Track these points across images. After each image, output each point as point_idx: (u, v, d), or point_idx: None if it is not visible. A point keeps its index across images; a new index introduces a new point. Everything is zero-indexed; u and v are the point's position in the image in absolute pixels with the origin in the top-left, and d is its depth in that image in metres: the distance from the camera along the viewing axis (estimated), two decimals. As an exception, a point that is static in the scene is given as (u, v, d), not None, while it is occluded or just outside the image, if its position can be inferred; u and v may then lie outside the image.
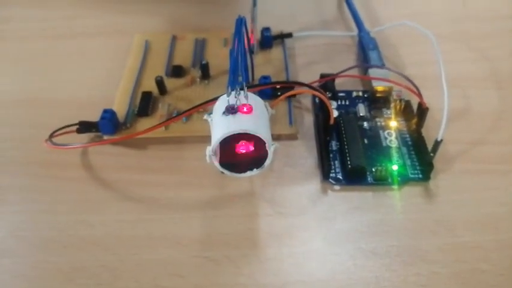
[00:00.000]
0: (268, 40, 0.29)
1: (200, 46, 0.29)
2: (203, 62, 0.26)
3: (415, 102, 0.23)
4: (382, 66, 0.26)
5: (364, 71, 0.26)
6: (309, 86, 0.21)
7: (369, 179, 0.21)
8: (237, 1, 0.34)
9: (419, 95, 0.22)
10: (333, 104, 0.25)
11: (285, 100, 0.25)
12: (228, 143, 0.18)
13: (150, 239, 0.20)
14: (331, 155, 0.22)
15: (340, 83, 0.26)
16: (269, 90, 0.24)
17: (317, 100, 0.25)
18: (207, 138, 0.19)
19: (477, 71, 0.28)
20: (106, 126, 0.23)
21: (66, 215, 0.21)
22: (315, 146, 0.23)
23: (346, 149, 0.22)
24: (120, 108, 0.25)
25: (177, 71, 0.27)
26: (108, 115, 0.23)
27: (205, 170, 0.22)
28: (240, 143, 0.18)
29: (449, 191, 0.21)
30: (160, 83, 0.25)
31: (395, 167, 0.22)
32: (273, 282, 0.18)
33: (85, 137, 0.24)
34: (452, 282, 0.18)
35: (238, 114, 0.18)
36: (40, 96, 0.27)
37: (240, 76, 0.20)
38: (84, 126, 0.23)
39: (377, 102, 0.25)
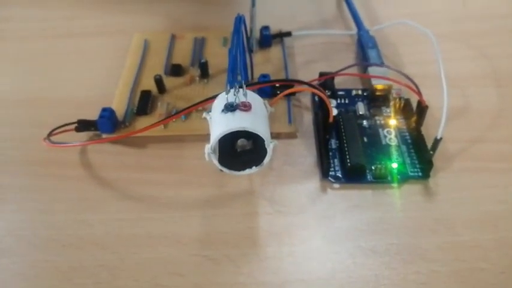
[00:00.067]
0: (268, 39, 0.29)
1: (199, 45, 0.29)
2: (202, 61, 0.26)
3: (414, 100, 0.23)
4: (381, 64, 0.26)
5: (364, 70, 0.26)
6: (308, 84, 0.21)
7: (368, 177, 0.21)
8: (236, 0, 0.34)
9: (419, 93, 0.22)
10: (333, 103, 0.25)
11: (285, 99, 0.25)
12: (227, 140, 0.18)
13: (150, 238, 0.20)
14: (330, 153, 0.22)
15: (339, 82, 0.26)
16: (269, 89, 0.24)
17: (316, 98, 0.25)
18: (206, 137, 0.19)
19: (476, 70, 0.28)
20: (105, 124, 0.23)
21: (65, 214, 0.21)
22: (314, 145, 0.23)
23: (346, 147, 0.22)
24: (119, 107, 0.25)
25: (176, 70, 0.27)
26: (107, 114, 0.23)
27: (205, 169, 0.22)
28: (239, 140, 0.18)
29: (449, 189, 0.21)
30: (159, 81, 0.25)
31: (394, 165, 0.22)
32: (273, 280, 0.18)
33: (84, 135, 0.24)
34: (451, 280, 0.18)
35: (237, 112, 0.18)
36: (40, 95, 0.27)
37: (239, 74, 0.20)
38: (83, 125, 0.23)
39: (376, 100, 0.25)
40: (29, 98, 0.27)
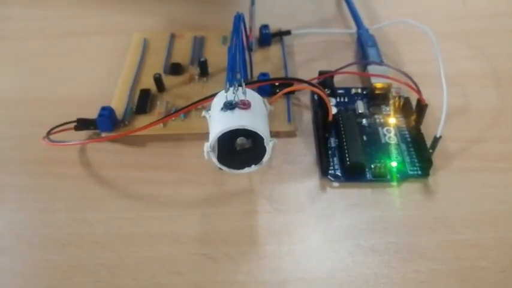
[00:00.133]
0: (267, 37, 0.28)
1: (199, 44, 0.29)
2: (201, 59, 0.26)
3: (414, 99, 0.23)
4: (381, 63, 0.26)
5: (363, 68, 0.26)
6: (307, 82, 0.21)
7: (367, 175, 0.21)
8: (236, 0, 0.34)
9: (419, 91, 0.22)
10: (332, 101, 0.25)
11: (284, 97, 0.25)
12: (226, 139, 0.18)
13: (149, 237, 0.20)
14: (330, 152, 0.22)
15: (339, 80, 0.26)
16: (268, 88, 0.24)
17: (316, 97, 0.25)
18: (205, 136, 0.19)
19: (476, 69, 0.27)
20: (104, 123, 0.23)
21: (64, 213, 0.21)
22: (313, 143, 0.23)
23: (345, 146, 0.22)
24: (119, 106, 0.25)
25: (175, 69, 0.27)
26: (106, 112, 0.23)
27: (204, 167, 0.22)
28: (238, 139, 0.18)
29: (449, 188, 0.21)
30: (158, 80, 0.25)
31: (394, 164, 0.22)
32: (272, 279, 0.18)
33: (83, 134, 0.24)
34: (451, 279, 0.18)
35: (237, 110, 0.18)
36: (39, 94, 0.27)
37: (238, 73, 0.20)
38: (82, 124, 0.23)
39: (376, 99, 0.25)
40: (29, 97, 0.26)
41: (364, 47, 0.27)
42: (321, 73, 0.25)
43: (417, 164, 0.22)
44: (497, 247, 0.19)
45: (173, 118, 0.24)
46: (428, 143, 0.22)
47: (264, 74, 0.25)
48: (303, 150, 0.23)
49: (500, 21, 0.31)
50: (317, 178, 0.22)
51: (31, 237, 0.20)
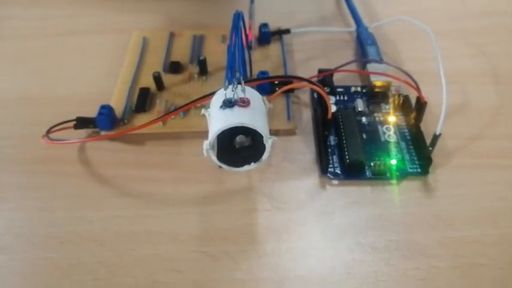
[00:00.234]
0: (266, 36, 0.28)
1: (198, 43, 0.29)
2: (201, 58, 0.26)
3: (413, 97, 0.23)
4: (380, 61, 0.26)
5: (363, 66, 0.26)
6: (307, 80, 0.21)
7: (367, 173, 0.21)
8: (236, -1, 0.34)
9: (418, 89, 0.22)
10: (332, 99, 0.25)
11: (283, 95, 0.25)
12: (226, 137, 0.18)
13: (148, 235, 0.20)
14: (329, 150, 0.22)
15: (338, 79, 0.26)
16: (268, 86, 0.24)
17: (315, 95, 0.25)
18: (204, 134, 0.19)
19: (475, 67, 0.27)
20: (103, 122, 0.23)
21: (63, 211, 0.21)
22: (313, 141, 0.23)
23: (345, 144, 0.22)
24: (118, 104, 0.24)
25: (174, 67, 0.27)
26: (106, 111, 0.23)
27: (203, 166, 0.22)
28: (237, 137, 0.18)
29: (448, 186, 0.21)
30: (157, 79, 0.25)
31: (393, 162, 0.22)
32: (271, 277, 0.18)
33: (83, 133, 0.24)
34: (451, 276, 0.18)
35: (236, 108, 0.18)
36: (39, 93, 0.27)
37: (237, 71, 0.20)
38: (82, 122, 0.23)
39: (375, 97, 0.25)
40: (28, 96, 0.26)
41: (364, 45, 0.27)
42: (320, 71, 0.25)
43: (417, 162, 0.22)
44: (496, 244, 0.19)
45: (172, 116, 0.24)
46: (428, 140, 0.22)
47: (263, 73, 0.25)
48: (302, 148, 0.23)
49: (499, 20, 0.31)
50: (316, 176, 0.22)
51: (30, 236, 0.20)
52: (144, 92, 0.25)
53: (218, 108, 0.18)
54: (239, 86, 0.18)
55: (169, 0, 0.34)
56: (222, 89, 0.19)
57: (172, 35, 0.29)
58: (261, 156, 0.19)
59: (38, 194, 0.21)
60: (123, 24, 0.31)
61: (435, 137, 0.21)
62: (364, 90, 0.25)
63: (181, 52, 0.28)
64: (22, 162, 0.23)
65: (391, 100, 0.24)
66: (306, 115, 0.25)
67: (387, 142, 0.23)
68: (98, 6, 0.33)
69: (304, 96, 0.26)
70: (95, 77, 0.27)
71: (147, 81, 0.26)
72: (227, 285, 0.18)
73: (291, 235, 0.20)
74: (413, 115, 0.23)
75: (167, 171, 0.22)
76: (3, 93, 0.27)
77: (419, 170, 0.21)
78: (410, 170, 0.21)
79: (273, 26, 0.29)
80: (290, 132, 0.24)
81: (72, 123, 0.23)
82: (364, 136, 0.23)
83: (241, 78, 0.19)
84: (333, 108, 0.22)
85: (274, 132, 0.23)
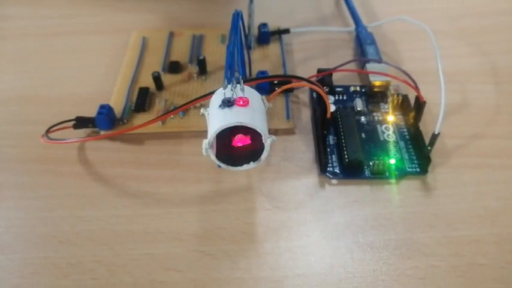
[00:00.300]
0: (266, 36, 0.28)
1: (197, 42, 0.29)
2: (200, 57, 0.26)
3: (412, 96, 0.23)
4: (379, 60, 0.26)
5: (362, 66, 0.26)
6: (306, 79, 0.21)
7: (366, 172, 0.21)
8: (235, -2, 0.34)
9: (417, 88, 0.22)
10: (331, 99, 0.25)
11: (283, 95, 0.25)
12: (225, 136, 0.18)
13: (147, 234, 0.20)
14: (328, 149, 0.22)
15: (337, 78, 0.26)
16: (267, 86, 0.24)
17: (314, 95, 0.25)
18: (203, 134, 0.19)
19: (475, 66, 0.27)
20: (103, 121, 0.23)
21: (62, 211, 0.21)
22: (312, 141, 0.23)
23: (344, 143, 0.22)
24: (117, 104, 0.24)
25: (174, 67, 0.27)
26: (105, 110, 0.23)
27: (202, 165, 0.22)
28: (236, 135, 0.18)
29: (447, 185, 0.21)
30: (157, 78, 0.25)
31: (392, 161, 0.22)
32: (271, 276, 0.18)
33: (82, 132, 0.24)
34: (450, 275, 0.18)
35: (235, 107, 0.18)
36: (38, 93, 0.27)
37: (236, 71, 0.20)
38: (81, 122, 0.23)
39: (374, 96, 0.25)
40: (28, 96, 0.26)
41: (363, 44, 0.27)
42: (319, 71, 0.25)
43: (416, 161, 0.22)
44: (496, 243, 0.19)
45: (172, 116, 0.24)
46: (427, 140, 0.22)
47: (262, 72, 0.25)
48: (301, 147, 0.23)
49: (498, 19, 0.31)
50: (316, 175, 0.22)
51: (29, 235, 0.20)
52: (144, 92, 0.25)
53: (217, 107, 0.18)
54: (238, 85, 0.18)
55: (168, 0, 0.34)
56: (221, 89, 0.19)
57: (171, 35, 0.29)
58: (260, 156, 0.19)
59: (37, 194, 0.21)
60: (123, 24, 0.31)
61: (434, 137, 0.21)
62: (363, 90, 0.25)
63: (181, 52, 0.28)
64: (21, 162, 0.23)
65: (390, 99, 0.24)
66: (305, 114, 0.25)
67: (386, 141, 0.23)
68: (98, 6, 0.33)
69: (304, 95, 0.26)
70: (95, 77, 0.27)
71: (147, 80, 0.26)
72: (226, 285, 0.18)
73: (290, 234, 0.20)
74: (412, 114, 0.23)
75: (166, 171, 0.22)
76: (3, 92, 0.27)
77: (418, 170, 0.21)
78: (409, 170, 0.21)
79: (272, 25, 0.29)
80: (289, 132, 0.24)
81: (71, 123, 0.23)
82: (363, 135, 0.23)
83: (241, 77, 0.19)
84: (332, 108, 0.22)
85: (273, 132, 0.23)
